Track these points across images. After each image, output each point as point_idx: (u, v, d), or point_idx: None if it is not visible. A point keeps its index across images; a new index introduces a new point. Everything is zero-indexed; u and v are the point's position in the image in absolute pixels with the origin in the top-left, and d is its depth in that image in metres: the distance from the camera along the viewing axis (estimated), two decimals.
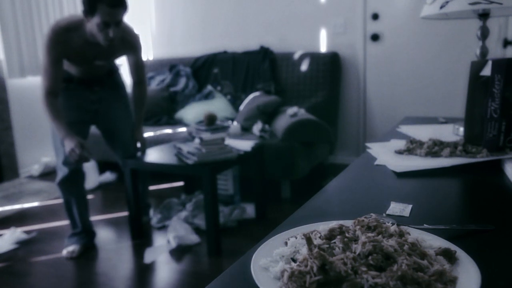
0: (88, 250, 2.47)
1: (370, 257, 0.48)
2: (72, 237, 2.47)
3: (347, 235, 0.55)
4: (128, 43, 2.32)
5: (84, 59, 2.23)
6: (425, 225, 0.64)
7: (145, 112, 2.57)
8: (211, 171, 2.23)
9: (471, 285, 0.46)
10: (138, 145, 2.60)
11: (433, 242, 0.57)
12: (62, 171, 2.39)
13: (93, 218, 2.88)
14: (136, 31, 2.40)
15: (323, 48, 3.81)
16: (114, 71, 2.51)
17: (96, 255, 2.41)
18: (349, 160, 3.80)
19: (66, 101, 2.35)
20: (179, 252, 2.39)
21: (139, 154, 2.52)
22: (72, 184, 2.41)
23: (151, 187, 3.53)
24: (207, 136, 2.28)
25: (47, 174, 4.00)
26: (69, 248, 2.41)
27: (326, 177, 3.45)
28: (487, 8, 1.17)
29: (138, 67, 2.48)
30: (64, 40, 2.12)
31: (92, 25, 2.06)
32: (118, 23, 2.08)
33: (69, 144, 2.14)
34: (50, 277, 2.21)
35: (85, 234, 2.49)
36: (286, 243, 0.57)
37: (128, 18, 4.53)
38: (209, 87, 3.95)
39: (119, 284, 2.11)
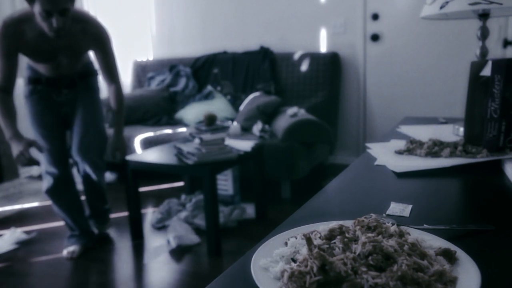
0: (88, 250, 2.47)
1: (370, 257, 0.48)
2: (71, 238, 2.47)
3: (347, 235, 0.55)
4: (91, 35, 2.12)
5: (44, 54, 2.06)
6: (425, 225, 0.64)
7: (124, 117, 2.36)
8: (211, 171, 2.23)
9: (471, 285, 0.46)
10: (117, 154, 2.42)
11: (433, 242, 0.57)
12: (46, 180, 2.32)
13: None
14: (101, 24, 2.19)
15: (323, 48, 3.81)
16: (88, 74, 2.34)
17: (96, 255, 2.41)
18: (349, 160, 3.80)
19: (36, 105, 2.23)
20: (179, 252, 2.39)
21: (118, 156, 2.40)
22: (60, 192, 2.35)
23: (152, 188, 3.53)
24: (207, 136, 2.29)
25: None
26: (69, 249, 2.41)
27: (326, 177, 3.46)
28: (487, 8, 1.17)
29: (107, 65, 2.23)
30: (16, 32, 1.96)
31: (36, 14, 1.88)
32: (64, 12, 1.88)
33: (17, 147, 1.99)
34: (50, 277, 2.21)
35: (84, 235, 2.48)
36: (286, 243, 0.57)
37: (128, 19, 4.55)
38: (209, 87, 3.95)
39: (119, 284, 2.11)
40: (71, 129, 2.37)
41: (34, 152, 2.11)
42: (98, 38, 2.14)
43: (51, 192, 2.34)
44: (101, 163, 2.42)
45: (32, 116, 2.26)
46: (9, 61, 2.01)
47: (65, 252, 2.41)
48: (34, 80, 2.21)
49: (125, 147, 2.37)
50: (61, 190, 2.35)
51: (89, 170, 2.39)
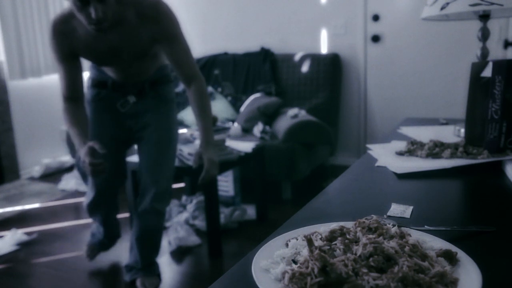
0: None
1: (371, 259, 0.48)
2: (94, 238, 2.31)
3: (348, 236, 0.55)
4: (150, 18, 1.62)
5: (102, 55, 1.69)
6: (426, 226, 0.64)
7: (211, 123, 1.80)
8: None
9: (472, 286, 0.46)
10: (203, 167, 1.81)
11: (434, 243, 0.57)
12: (88, 197, 2.07)
13: None
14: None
15: (323, 49, 3.81)
16: (161, 81, 1.90)
17: (96, 256, 2.41)
18: (350, 161, 3.79)
19: (95, 113, 1.90)
20: (179, 254, 2.39)
21: (201, 177, 1.74)
22: (98, 209, 2.10)
23: None
24: None
25: (48, 175, 4.00)
26: (92, 251, 2.30)
27: (327, 178, 3.45)
28: (487, 9, 1.17)
29: (178, 56, 1.70)
30: (66, 31, 1.63)
31: (72, 5, 1.52)
32: None
33: (82, 155, 1.66)
34: (51, 278, 2.20)
35: (109, 241, 2.31)
36: (287, 245, 0.57)
37: None
38: (210, 89, 3.95)
39: (120, 285, 2.11)
40: (138, 150, 1.98)
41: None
42: (159, 20, 1.63)
43: (91, 208, 2.10)
44: (168, 198, 2.00)
45: (91, 127, 1.89)
46: (68, 65, 1.68)
47: (85, 249, 2.31)
48: (98, 83, 1.88)
49: (216, 165, 1.77)
50: (101, 207, 2.10)
51: (151, 205, 1.94)
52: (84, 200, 2.11)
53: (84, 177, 2.09)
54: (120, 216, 2.96)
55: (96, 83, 1.89)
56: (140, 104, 1.89)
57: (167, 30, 1.65)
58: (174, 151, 1.94)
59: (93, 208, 2.09)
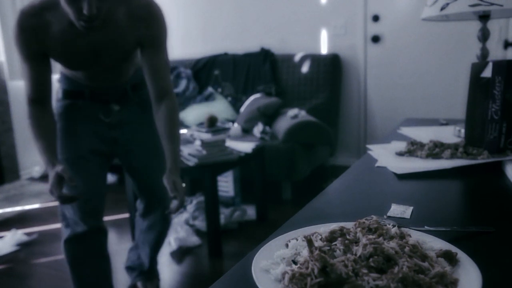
0: None
1: (371, 259, 0.48)
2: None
3: (348, 237, 0.55)
4: (138, 18, 1.42)
5: (79, 56, 1.42)
6: (426, 227, 0.64)
7: (179, 147, 1.55)
8: (211, 173, 2.23)
9: (472, 287, 0.46)
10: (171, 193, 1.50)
11: (434, 244, 0.57)
12: (67, 231, 1.65)
13: None
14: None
15: (323, 50, 3.81)
16: (141, 84, 1.68)
17: None
18: (350, 162, 3.79)
19: (74, 125, 1.61)
20: (180, 254, 2.39)
21: (173, 205, 1.46)
22: (84, 255, 1.68)
23: None
24: (208, 138, 2.29)
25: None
26: None
27: (327, 179, 3.45)
28: (487, 9, 1.17)
29: (158, 65, 1.49)
30: (37, 26, 1.34)
31: None
32: None
33: (50, 179, 1.40)
34: (51, 279, 2.20)
35: None
36: (287, 245, 0.57)
37: None
38: (210, 89, 3.95)
39: (120, 286, 2.11)
40: (122, 159, 1.75)
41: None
42: (149, 22, 1.45)
43: (71, 251, 1.66)
44: (169, 200, 1.81)
45: (61, 140, 1.60)
46: (36, 64, 1.41)
47: None
48: (73, 94, 1.60)
49: (183, 192, 1.49)
50: (87, 252, 1.68)
51: (161, 216, 1.84)
52: (62, 235, 1.66)
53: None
54: (120, 218, 2.96)
55: (71, 94, 1.60)
56: (124, 111, 1.65)
57: (155, 34, 1.47)
58: (164, 161, 1.61)
59: (75, 252, 1.67)
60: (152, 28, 1.46)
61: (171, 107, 1.53)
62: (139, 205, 1.91)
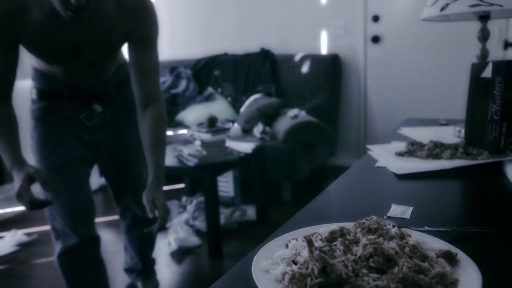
0: None
1: (371, 260, 0.48)
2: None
3: (348, 237, 0.55)
4: (128, 11, 1.30)
5: (59, 48, 1.28)
6: (426, 227, 0.64)
7: (164, 157, 1.49)
8: (211, 173, 2.23)
9: (472, 287, 0.46)
10: (155, 211, 1.40)
11: (434, 244, 0.57)
12: (59, 243, 1.55)
13: None
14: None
15: (323, 50, 3.81)
16: (124, 81, 1.55)
17: None
18: (350, 162, 3.79)
19: (55, 130, 1.47)
20: (180, 254, 2.39)
21: (155, 227, 1.37)
22: (78, 268, 1.60)
23: None
24: (208, 138, 2.29)
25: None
26: None
27: (327, 179, 3.45)
28: (487, 10, 1.17)
29: (146, 65, 1.36)
30: (16, 11, 1.20)
31: None
32: None
33: (17, 181, 1.30)
34: (51, 279, 2.20)
35: None
36: (287, 246, 0.57)
37: None
38: (210, 89, 3.95)
39: (120, 286, 2.11)
40: (103, 164, 1.63)
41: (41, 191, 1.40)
42: (139, 16, 1.32)
43: (65, 265, 1.57)
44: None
45: (41, 146, 1.48)
46: (4, 52, 1.26)
47: None
48: (50, 94, 1.45)
49: (165, 210, 1.40)
50: (81, 264, 1.59)
51: (144, 216, 1.76)
52: (55, 250, 1.57)
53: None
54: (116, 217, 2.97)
55: (48, 94, 1.45)
56: (108, 113, 1.53)
57: (145, 30, 1.34)
58: (145, 165, 1.52)
59: (69, 265, 1.57)
60: (142, 22, 1.33)
61: (158, 115, 1.41)
62: (116, 206, 1.81)
